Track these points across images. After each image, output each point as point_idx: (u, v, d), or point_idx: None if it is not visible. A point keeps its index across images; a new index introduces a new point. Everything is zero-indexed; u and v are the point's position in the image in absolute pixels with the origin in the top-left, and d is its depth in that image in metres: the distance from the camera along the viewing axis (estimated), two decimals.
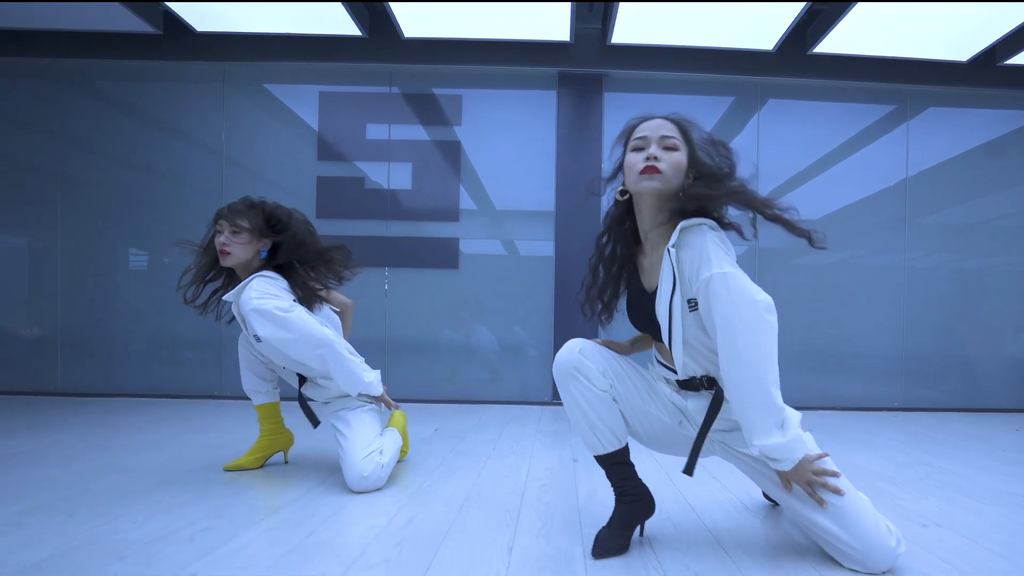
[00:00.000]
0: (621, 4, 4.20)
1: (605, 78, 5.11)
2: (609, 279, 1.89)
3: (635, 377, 1.85)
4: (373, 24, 4.86)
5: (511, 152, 5.14)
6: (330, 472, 2.68)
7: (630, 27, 4.54)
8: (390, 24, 4.72)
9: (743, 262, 4.63)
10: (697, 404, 1.79)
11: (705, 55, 4.96)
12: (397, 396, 4.72)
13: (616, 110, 5.13)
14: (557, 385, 1.82)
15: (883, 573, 1.62)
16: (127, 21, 4.56)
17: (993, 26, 4.33)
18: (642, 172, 1.68)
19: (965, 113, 5.22)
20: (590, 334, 4.58)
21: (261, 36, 4.88)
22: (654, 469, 2.79)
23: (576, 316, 4.86)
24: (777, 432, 1.57)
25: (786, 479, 1.65)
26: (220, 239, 2.45)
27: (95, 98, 5.14)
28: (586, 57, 5.02)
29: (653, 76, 5.09)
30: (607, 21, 4.77)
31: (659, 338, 1.78)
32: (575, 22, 4.59)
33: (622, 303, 1.94)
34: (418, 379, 5.03)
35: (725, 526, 2.04)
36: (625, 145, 1.79)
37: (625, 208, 1.85)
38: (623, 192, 1.80)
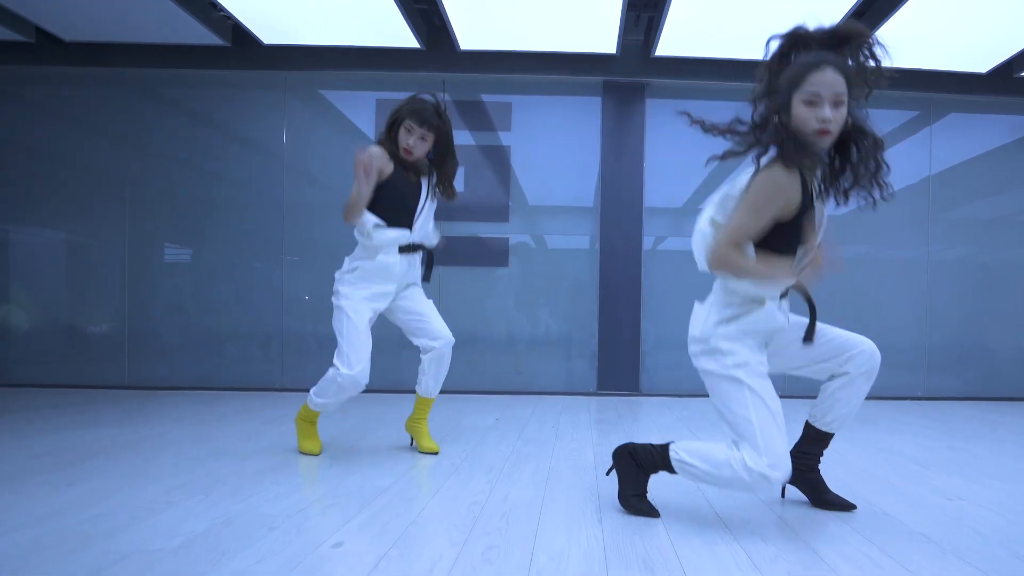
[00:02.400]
0: (667, 21, 4.47)
1: (647, 86, 5.41)
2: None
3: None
4: (431, 37, 5.17)
5: (557, 155, 5.46)
6: (414, 458, 2.99)
7: (673, 40, 4.84)
8: (447, 36, 5.01)
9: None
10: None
11: (743, 66, 5.21)
12: (449, 388, 5.02)
13: (657, 114, 5.45)
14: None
15: None
16: (197, 34, 4.86)
17: (1012, 42, 4.64)
18: (819, 133, 1.80)
19: (984, 119, 5.51)
20: (635, 328, 4.89)
21: (324, 48, 5.19)
22: None
23: (620, 308, 5.19)
24: None
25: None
26: (410, 140, 2.72)
27: (162, 104, 5.50)
28: (629, 67, 5.32)
29: (693, 85, 5.39)
30: (651, 34, 5.07)
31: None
32: (622, 35, 4.85)
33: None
34: (470, 371, 5.32)
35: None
36: (792, 86, 1.83)
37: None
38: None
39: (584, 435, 3.60)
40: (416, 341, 3.05)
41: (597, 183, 5.43)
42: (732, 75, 5.21)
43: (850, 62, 1.86)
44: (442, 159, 2.88)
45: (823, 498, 2.27)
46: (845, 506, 2.24)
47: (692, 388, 4.92)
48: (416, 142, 2.74)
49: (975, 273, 5.53)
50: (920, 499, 2.39)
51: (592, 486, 2.51)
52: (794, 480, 2.26)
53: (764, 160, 1.90)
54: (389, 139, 2.81)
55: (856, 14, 4.46)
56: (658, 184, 5.45)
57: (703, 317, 2.06)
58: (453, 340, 3.05)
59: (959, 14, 4.23)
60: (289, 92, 5.45)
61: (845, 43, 1.87)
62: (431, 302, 3.08)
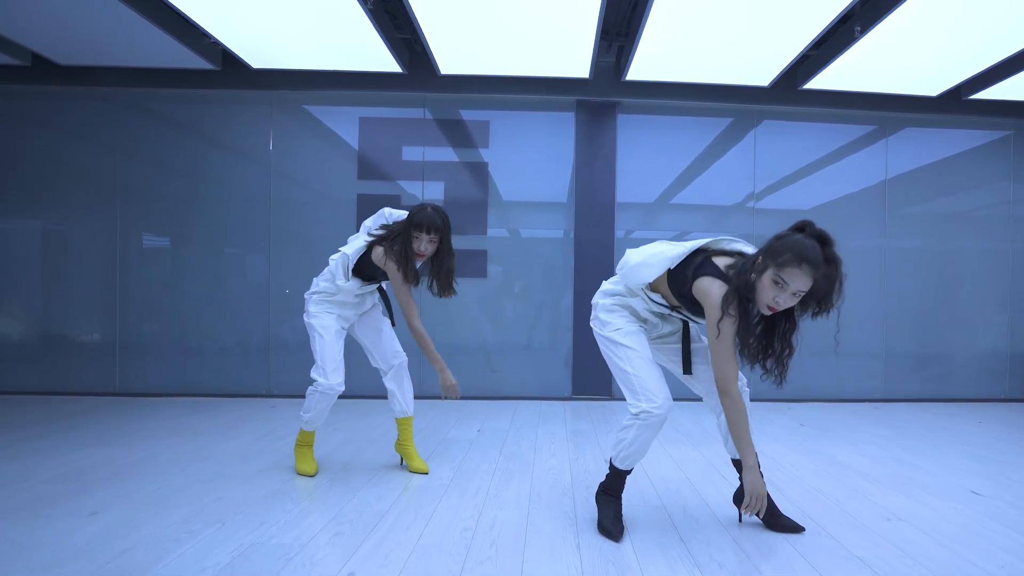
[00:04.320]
0: (639, 48, 4.73)
1: (618, 105, 5.71)
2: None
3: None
4: (412, 62, 5.41)
5: (533, 170, 5.76)
6: (406, 478, 3.24)
7: (643, 66, 5.11)
8: (428, 62, 5.25)
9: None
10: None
11: (706, 89, 5.58)
12: (435, 395, 5.30)
13: (628, 130, 5.78)
14: None
15: None
16: (187, 59, 5.07)
17: (959, 69, 5.03)
18: (768, 308, 2.15)
19: (935, 133, 5.94)
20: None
21: (309, 71, 5.43)
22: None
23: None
24: None
25: None
26: (421, 246, 3.03)
27: (151, 117, 5.70)
28: (601, 88, 5.62)
29: (662, 104, 5.74)
30: (622, 59, 5.34)
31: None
32: (595, 60, 5.11)
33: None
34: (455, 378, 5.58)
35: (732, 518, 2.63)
36: (773, 258, 2.13)
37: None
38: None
39: (561, 451, 3.88)
40: (373, 364, 3.40)
41: (570, 188, 5.74)
42: (697, 96, 5.60)
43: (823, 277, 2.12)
44: (442, 258, 3.15)
45: (776, 521, 2.56)
46: (795, 528, 2.53)
47: None
48: (426, 245, 3.04)
49: (931, 266, 5.95)
50: (862, 519, 2.69)
51: (570, 509, 2.78)
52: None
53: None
54: (400, 246, 3.06)
55: (816, 45, 4.74)
56: (630, 186, 5.81)
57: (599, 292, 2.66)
58: (406, 358, 3.40)
59: (911, 45, 4.58)
60: (276, 107, 5.67)
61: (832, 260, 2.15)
62: (386, 323, 3.41)
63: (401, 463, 3.48)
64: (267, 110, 5.66)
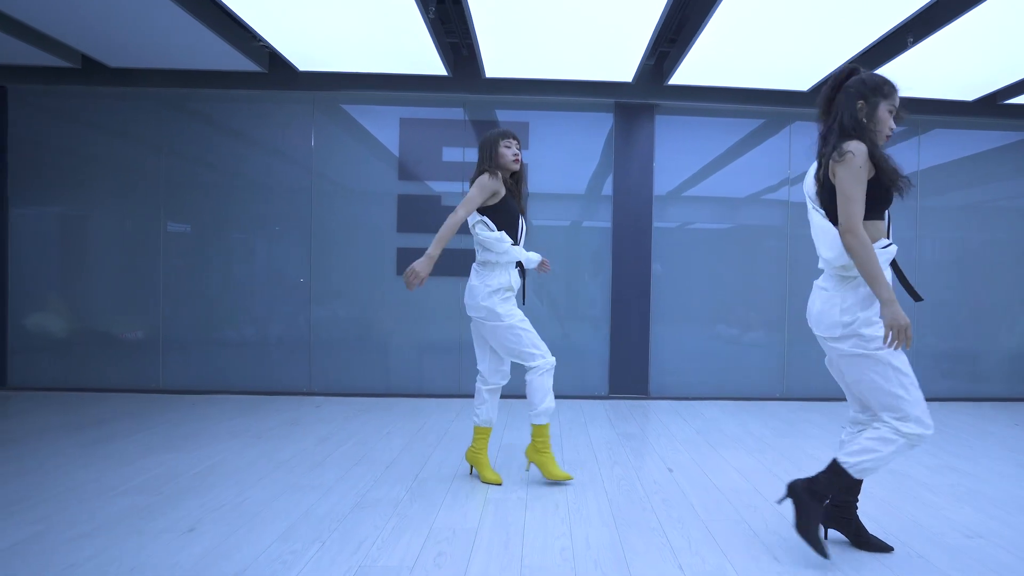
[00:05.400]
0: (688, 56, 4.77)
1: (656, 107, 5.75)
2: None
3: None
4: (457, 64, 5.42)
5: (572, 171, 5.80)
6: (483, 491, 3.28)
7: (687, 71, 5.14)
8: (474, 64, 5.27)
9: (731, 243, 5.90)
10: None
11: (743, 93, 5.64)
12: (472, 391, 5.37)
13: (665, 130, 5.82)
14: None
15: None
16: (235, 61, 5.08)
17: (996, 77, 5.15)
18: (887, 137, 2.41)
19: (964, 134, 6.03)
20: (645, 335, 5.29)
21: (353, 74, 5.44)
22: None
23: (630, 317, 5.52)
24: None
25: None
26: (513, 151, 3.30)
27: (200, 119, 5.76)
28: (641, 91, 5.64)
29: (700, 106, 5.78)
30: (664, 64, 5.40)
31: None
32: (641, 64, 5.11)
33: None
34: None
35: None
36: (880, 94, 2.38)
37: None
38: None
39: (621, 458, 3.94)
40: (480, 365, 3.49)
41: (611, 197, 5.78)
42: (735, 99, 5.62)
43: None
44: (518, 178, 3.39)
45: (863, 540, 2.61)
46: (883, 548, 2.59)
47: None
48: (516, 150, 3.31)
49: (961, 261, 6.05)
50: (943, 537, 2.74)
51: (656, 526, 2.83)
52: (835, 526, 2.63)
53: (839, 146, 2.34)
54: (493, 165, 3.25)
55: (867, 51, 4.75)
56: (667, 181, 5.89)
57: (836, 305, 2.41)
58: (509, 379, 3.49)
59: (959, 50, 4.62)
60: (317, 107, 5.69)
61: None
62: None
63: (471, 472, 3.52)
64: (309, 109, 5.68)
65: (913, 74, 5.01)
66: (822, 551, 2.40)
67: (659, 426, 4.74)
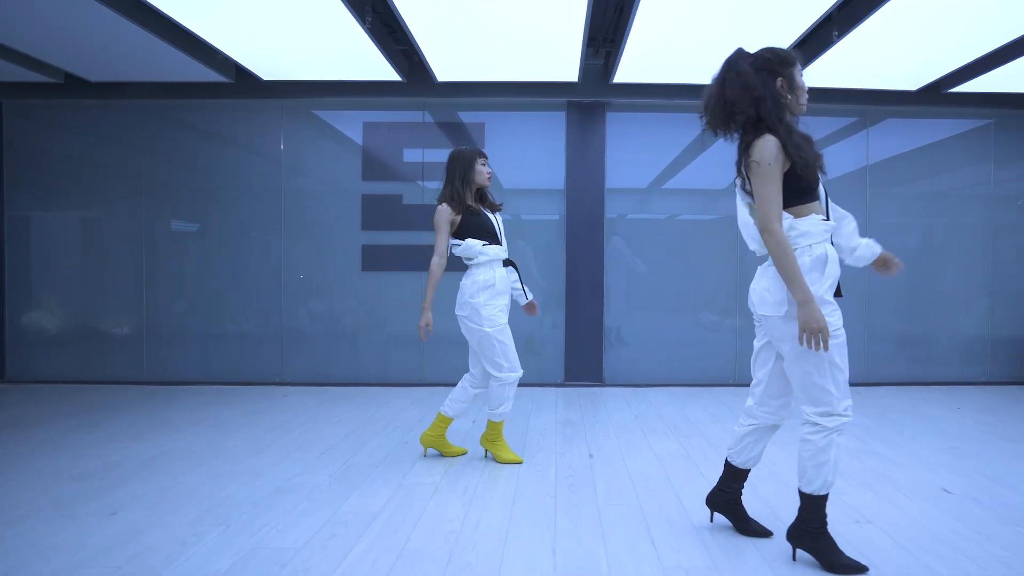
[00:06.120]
0: (624, 54, 4.89)
1: (607, 105, 5.92)
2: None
3: None
4: (411, 71, 5.61)
5: (527, 167, 6.01)
6: (397, 476, 3.44)
7: (630, 69, 5.28)
8: (425, 70, 5.45)
9: (714, 231, 6.07)
10: None
11: (689, 88, 5.64)
12: (436, 382, 5.59)
13: (617, 126, 6.01)
14: None
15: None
16: (203, 74, 5.40)
17: (939, 64, 5.16)
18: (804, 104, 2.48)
19: (916, 123, 6.09)
20: (599, 325, 5.43)
21: (316, 82, 5.70)
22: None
23: (584, 311, 5.65)
24: None
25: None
26: (488, 170, 3.57)
27: (179, 125, 6.13)
28: (590, 90, 5.81)
29: (649, 103, 5.96)
30: (609, 62, 5.49)
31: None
32: (583, 64, 5.28)
33: None
34: (450, 366, 5.76)
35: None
36: (790, 63, 2.44)
37: None
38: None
39: (549, 443, 4.09)
40: (473, 365, 3.71)
41: (564, 192, 5.98)
42: (682, 95, 5.69)
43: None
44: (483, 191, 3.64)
45: (745, 526, 2.70)
46: (763, 533, 2.68)
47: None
48: (490, 169, 3.59)
49: (914, 246, 6.16)
50: (831, 522, 2.76)
51: (550, 510, 2.96)
52: (721, 510, 2.74)
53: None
54: (467, 181, 3.50)
55: (797, 45, 4.78)
56: (620, 175, 6.05)
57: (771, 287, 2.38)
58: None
59: (891, 42, 4.69)
60: (286, 114, 5.99)
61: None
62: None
63: (486, 455, 3.77)
64: (278, 115, 5.98)
65: (853, 67, 5.13)
66: (859, 568, 2.36)
67: (603, 413, 4.86)
